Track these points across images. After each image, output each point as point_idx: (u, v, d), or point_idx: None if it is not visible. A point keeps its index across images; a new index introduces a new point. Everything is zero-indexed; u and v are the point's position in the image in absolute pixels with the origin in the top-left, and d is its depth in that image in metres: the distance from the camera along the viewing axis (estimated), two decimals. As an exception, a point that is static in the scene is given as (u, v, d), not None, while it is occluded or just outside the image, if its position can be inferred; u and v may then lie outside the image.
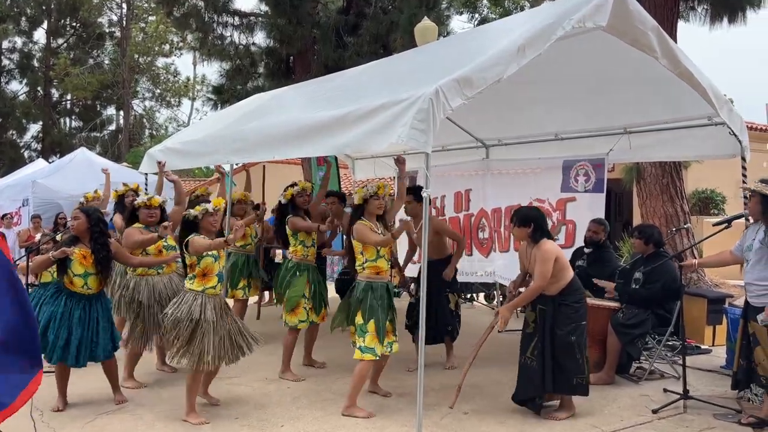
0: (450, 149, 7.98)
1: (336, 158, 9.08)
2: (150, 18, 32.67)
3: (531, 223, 4.52)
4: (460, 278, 6.44)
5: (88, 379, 5.20)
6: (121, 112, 33.59)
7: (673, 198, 8.72)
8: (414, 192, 5.64)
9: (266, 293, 8.94)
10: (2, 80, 30.87)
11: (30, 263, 5.34)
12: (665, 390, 5.09)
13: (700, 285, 8.40)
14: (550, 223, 5.72)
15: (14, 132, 31.23)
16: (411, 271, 6.38)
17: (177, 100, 35.11)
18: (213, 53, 13.31)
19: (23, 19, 31.02)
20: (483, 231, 7.47)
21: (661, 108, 5.94)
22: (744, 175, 5.73)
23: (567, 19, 4.29)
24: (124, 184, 6.42)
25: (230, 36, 13.20)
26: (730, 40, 34.67)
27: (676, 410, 4.64)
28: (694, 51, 5.71)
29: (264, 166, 8.47)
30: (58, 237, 6.00)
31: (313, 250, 5.65)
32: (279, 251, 8.21)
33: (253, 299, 7.61)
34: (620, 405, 4.83)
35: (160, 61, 33.97)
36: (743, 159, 5.77)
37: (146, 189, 6.79)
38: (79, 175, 11.50)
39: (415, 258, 6.14)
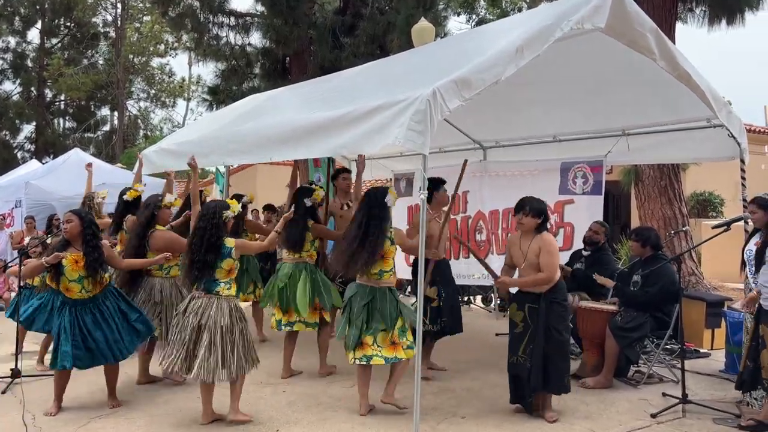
0: (447, 151, 7.95)
1: (333, 160, 9.02)
2: (145, 18, 32.58)
3: (543, 215, 4.50)
4: (457, 281, 6.39)
5: (82, 383, 5.15)
6: (116, 113, 33.47)
7: (671, 200, 8.70)
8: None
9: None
10: (-4, 80, 30.75)
11: (22, 266, 5.28)
12: (664, 394, 5.06)
13: (698, 288, 8.38)
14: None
15: (7, 132, 31.02)
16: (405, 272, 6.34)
17: (172, 100, 34.97)
18: (208, 54, 13.27)
19: (17, 18, 30.79)
20: (480, 233, 7.44)
21: (660, 110, 5.92)
22: (743, 178, 5.70)
23: (565, 20, 4.27)
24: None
25: (226, 36, 13.17)
26: (729, 42, 34.92)
27: (675, 414, 4.62)
28: (693, 53, 5.70)
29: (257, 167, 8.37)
30: (49, 240, 5.95)
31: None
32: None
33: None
34: (618, 409, 4.79)
35: (155, 62, 33.89)
36: (742, 161, 5.74)
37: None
38: (73, 177, 11.38)
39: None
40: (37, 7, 31.16)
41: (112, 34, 33.13)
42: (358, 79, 5.87)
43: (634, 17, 4.61)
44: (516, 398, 4.64)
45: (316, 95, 5.72)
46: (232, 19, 13.08)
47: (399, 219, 7.12)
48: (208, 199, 6.17)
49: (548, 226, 4.65)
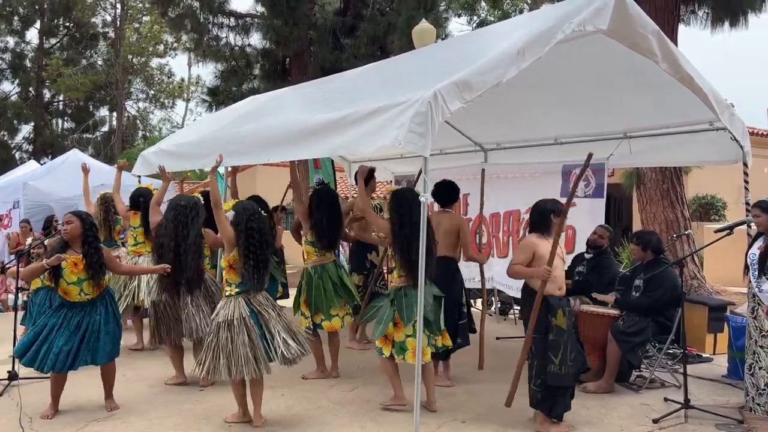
0: (448, 153, 7.91)
1: (332, 161, 9.00)
2: (144, 18, 32.56)
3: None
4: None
5: (79, 386, 5.11)
6: (114, 114, 33.42)
7: (673, 203, 8.67)
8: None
9: None
10: (-6, 80, 30.71)
11: (21, 269, 5.25)
12: (666, 399, 5.02)
13: (701, 292, 8.34)
14: None
15: (5, 133, 30.97)
16: None
17: (171, 101, 34.98)
18: (208, 54, 13.26)
19: (15, 18, 30.77)
20: (481, 236, 7.39)
21: (662, 112, 5.88)
22: (746, 181, 5.67)
23: (567, 22, 4.23)
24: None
25: (226, 37, 13.17)
26: (732, 44, 34.88)
27: (677, 420, 4.58)
28: (696, 56, 5.66)
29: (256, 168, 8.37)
30: (47, 242, 5.91)
31: None
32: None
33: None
34: (620, 414, 4.76)
35: (154, 62, 33.90)
36: (745, 164, 5.71)
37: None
38: (71, 178, 11.29)
39: None
40: (36, 7, 31.12)
41: (111, 34, 33.10)
42: (358, 81, 5.84)
43: (636, 19, 4.57)
44: (564, 409, 4.37)
45: (316, 96, 5.70)
46: (232, 19, 13.08)
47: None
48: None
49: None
